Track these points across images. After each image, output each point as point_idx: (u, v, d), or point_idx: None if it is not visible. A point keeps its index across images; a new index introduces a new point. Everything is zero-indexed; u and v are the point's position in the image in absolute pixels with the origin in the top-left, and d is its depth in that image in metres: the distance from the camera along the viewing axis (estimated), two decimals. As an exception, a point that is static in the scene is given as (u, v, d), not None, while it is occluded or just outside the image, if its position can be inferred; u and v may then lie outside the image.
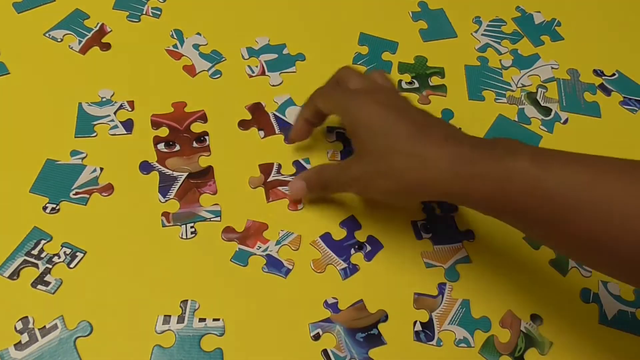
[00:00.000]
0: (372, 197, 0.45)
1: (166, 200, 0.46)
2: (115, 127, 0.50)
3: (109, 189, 0.46)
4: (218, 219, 0.46)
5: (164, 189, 0.47)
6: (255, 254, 0.45)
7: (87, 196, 0.46)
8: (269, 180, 0.48)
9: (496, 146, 0.37)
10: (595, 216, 0.32)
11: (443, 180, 0.38)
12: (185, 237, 0.45)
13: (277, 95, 0.53)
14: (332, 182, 0.44)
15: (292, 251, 0.45)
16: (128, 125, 0.50)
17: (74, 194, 0.46)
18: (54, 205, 0.45)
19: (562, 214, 0.33)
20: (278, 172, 0.49)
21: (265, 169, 0.49)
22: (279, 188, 0.48)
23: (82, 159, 0.47)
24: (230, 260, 0.44)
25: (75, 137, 0.48)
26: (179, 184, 0.47)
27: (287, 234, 0.46)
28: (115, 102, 0.51)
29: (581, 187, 0.32)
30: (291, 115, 0.52)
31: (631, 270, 0.33)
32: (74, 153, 0.48)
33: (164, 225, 0.45)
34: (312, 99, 0.46)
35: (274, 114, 0.52)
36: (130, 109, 0.51)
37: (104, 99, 0.51)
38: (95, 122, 0.50)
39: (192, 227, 0.45)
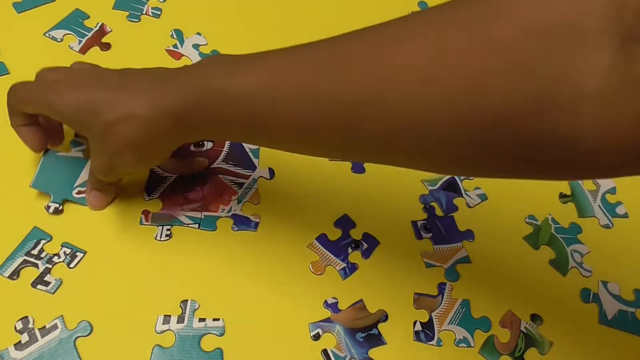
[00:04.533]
0: (128, 172, 0.43)
1: (150, 199, 0.46)
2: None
3: None
4: (196, 225, 0.46)
5: (150, 188, 0.47)
6: (221, 217, 0.46)
7: None
8: (212, 166, 0.49)
9: (195, 66, 0.38)
10: (272, 114, 0.34)
11: (149, 116, 0.37)
12: (159, 239, 0.45)
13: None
14: (100, 173, 0.42)
15: (254, 205, 0.47)
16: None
17: (76, 193, 0.45)
18: (57, 206, 0.45)
19: (249, 117, 0.35)
20: (224, 160, 0.49)
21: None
22: (219, 176, 0.48)
23: (82, 151, 0.47)
24: (199, 227, 0.45)
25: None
26: (166, 185, 0.47)
27: (245, 191, 0.47)
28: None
29: (257, 91, 0.34)
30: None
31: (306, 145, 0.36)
32: (74, 144, 0.47)
33: (141, 223, 0.45)
34: (10, 105, 0.42)
35: None
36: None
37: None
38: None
39: (168, 229, 0.45)
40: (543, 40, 0.25)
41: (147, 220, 0.45)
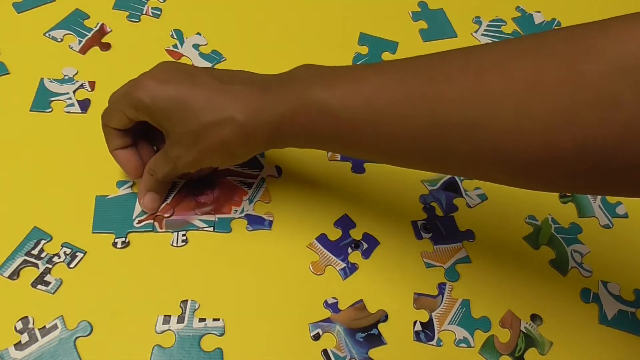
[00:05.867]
0: (212, 165, 0.42)
1: (161, 206, 0.46)
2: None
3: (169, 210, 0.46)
4: (211, 229, 0.46)
5: None
6: (235, 218, 0.46)
7: (152, 221, 0.45)
8: (219, 168, 0.48)
9: (292, 77, 0.38)
10: (372, 131, 0.35)
11: (247, 123, 0.37)
12: (176, 245, 0.45)
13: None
14: (170, 174, 0.43)
15: (265, 204, 0.47)
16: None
17: (137, 223, 0.45)
18: (123, 239, 0.44)
19: (348, 131, 0.36)
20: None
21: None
22: (228, 177, 0.48)
23: (130, 187, 0.46)
24: (214, 230, 0.45)
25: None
26: (176, 190, 0.47)
27: (255, 191, 0.47)
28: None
29: (357, 107, 0.35)
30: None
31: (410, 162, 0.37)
32: (120, 184, 0.46)
33: (155, 231, 0.45)
34: (103, 123, 0.43)
35: None
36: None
37: (104, 99, 0.51)
38: (95, 122, 0.49)
39: (183, 235, 0.45)
40: (630, 76, 0.28)
41: (161, 227, 0.45)
